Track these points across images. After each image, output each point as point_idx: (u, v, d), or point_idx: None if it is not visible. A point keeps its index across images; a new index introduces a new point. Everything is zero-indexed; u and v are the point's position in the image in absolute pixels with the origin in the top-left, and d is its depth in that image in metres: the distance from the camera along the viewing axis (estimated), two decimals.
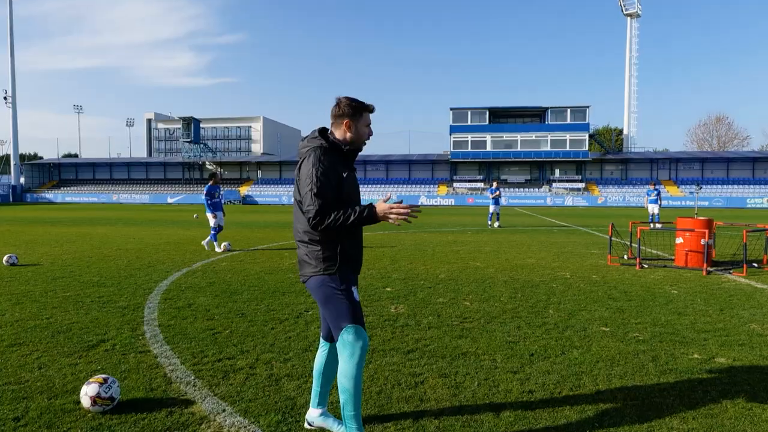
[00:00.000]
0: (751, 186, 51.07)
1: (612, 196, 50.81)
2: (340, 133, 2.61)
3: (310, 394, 3.23)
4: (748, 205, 47.04)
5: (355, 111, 2.57)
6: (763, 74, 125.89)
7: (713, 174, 54.63)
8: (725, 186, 51.24)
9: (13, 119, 58.29)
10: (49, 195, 58.41)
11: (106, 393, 2.97)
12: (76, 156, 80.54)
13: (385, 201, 2.52)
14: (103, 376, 3.09)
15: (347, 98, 2.60)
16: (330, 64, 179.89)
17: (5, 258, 8.66)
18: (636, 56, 59.98)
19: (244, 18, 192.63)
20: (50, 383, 3.42)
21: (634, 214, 29.55)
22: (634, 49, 59.81)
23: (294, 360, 3.89)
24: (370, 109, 2.63)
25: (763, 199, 47.46)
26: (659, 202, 18.96)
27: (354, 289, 2.57)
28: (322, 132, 2.62)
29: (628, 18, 60.01)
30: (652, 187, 19.31)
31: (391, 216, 2.41)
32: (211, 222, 10.96)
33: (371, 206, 2.43)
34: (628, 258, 9.56)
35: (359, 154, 2.78)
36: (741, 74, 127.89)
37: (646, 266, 8.71)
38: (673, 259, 9.30)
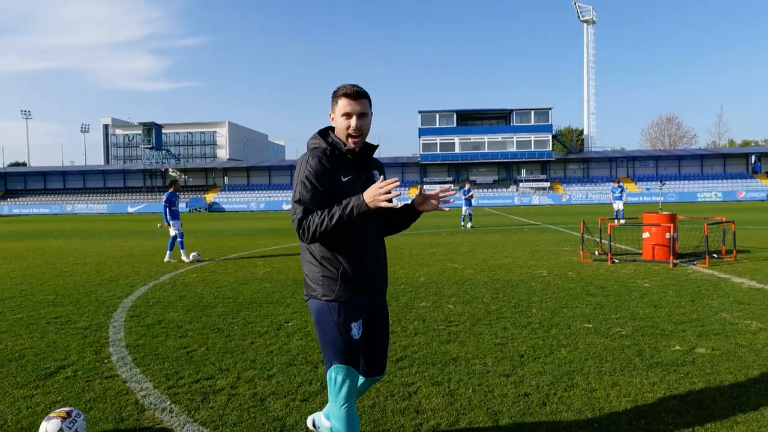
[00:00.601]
0: (701, 181, 53.64)
1: (575, 194, 52.28)
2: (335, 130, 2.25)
3: (298, 413, 3.05)
4: (699, 199, 49.38)
5: (332, 99, 2.16)
6: (705, 77, 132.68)
7: (666, 171, 57.06)
8: (678, 182, 53.57)
9: None
10: None
11: (70, 428, 2.64)
12: (24, 165, 76.51)
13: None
14: (66, 408, 2.78)
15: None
16: (296, 66, 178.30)
17: None
18: (593, 60, 62.12)
19: (206, 20, 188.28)
20: (2, 420, 3.06)
21: (599, 211, 30.45)
22: (591, 53, 61.91)
23: (278, 376, 3.69)
24: (340, 93, 2.11)
25: (711, 193, 49.90)
26: (623, 198, 19.58)
27: (355, 325, 2.15)
28: (323, 131, 2.24)
29: (585, 24, 62.09)
30: (615, 185, 19.94)
31: (380, 197, 1.92)
32: (172, 232, 10.55)
33: (358, 196, 1.98)
34: (599, 254, 9.75)
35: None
36: (687, 77, 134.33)
37: (617, 261, 8.89)
38: (641, 253, 9.55)
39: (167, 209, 10.64)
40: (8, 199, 58.01)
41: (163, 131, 63.82)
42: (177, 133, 76.87)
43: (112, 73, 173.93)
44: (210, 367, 3.92)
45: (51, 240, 17.19)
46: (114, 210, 54.07)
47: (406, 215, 2.29)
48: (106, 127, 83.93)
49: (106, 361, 4.13)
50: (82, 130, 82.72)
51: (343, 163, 2.15)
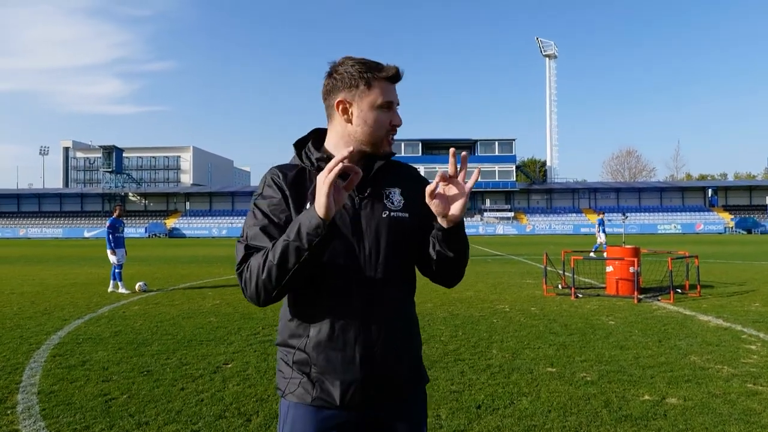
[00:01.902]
0: (660, 213, 55.61)
1: (539, 224, 53.24)
2: (333, 134, 1.43)
3: None
4: (659, 231, 51.03)
5: (351, 82, 1.36)
6: (663, 111, 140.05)
7: (627, 202, 59.02)
8: (638, 214, 55.38)
9: None
10: None
11: None
12: None
13: None
14: None
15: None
16: (263, 93, 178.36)
17: None
18: (555, 92, 64.48)
19: (175, 46, 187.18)
20: None
21: (562, 242, 30.91)
22: (553, 86, 64.30)
23: (203, 431, 3.23)
24: (382, 75, 1.37)
25: (671, 225, 51.72)
26: (604, 230, 19.87)
27: None
28: (300, 142, 1.49)
29: (547, 58, 64.65)
30: (601, 217, 20.33)
31: (322, 193, 1.17)
32: (112, 259, 9.87)
33: (309, 209, 1.23)
34: (562, 287, 9.62)
35: None
36: (645, 111, 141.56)
37: (580, 296, 8.76)
38: (605, 287, 9.47)
39: (110, 235, 9.98)
40: None
41: (126, 155, 62.21)
42: (140, 156, 75.02)
43: (76, 96, 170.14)
44: (127, 420, 3.42)
45: None
46: (70, 234, 51.65)
47: (437, 236, 1.34)
48: (66, 149, 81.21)
49: (9, 412, 3.60)
50: (41, 153, 79.77)
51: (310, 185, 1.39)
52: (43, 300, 8.68)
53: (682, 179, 76.56)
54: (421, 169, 59.53)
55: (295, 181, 1.38)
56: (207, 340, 5.65)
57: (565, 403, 3.71)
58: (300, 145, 1.47)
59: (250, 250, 1.30)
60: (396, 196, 1.40)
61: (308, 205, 1.33)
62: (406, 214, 1.39)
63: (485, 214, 55.69)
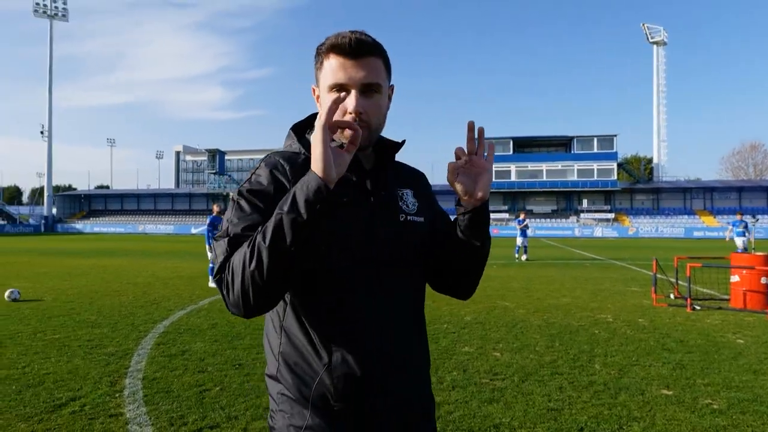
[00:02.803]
0: None
1: (644, 226, 48.96)
2: None
3: None
4: None
5: (315, 60, 1.18)
6: None
7: (752, 203, 52.23)
8: (766, 216, 48.81)
9: (49, 153, 60.52)
10: (79, 225, 59.78)
11: None
12: (107, 187, 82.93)
13: None
14: None
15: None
16: None
17: (7, 293, 8.27)
18: (664, 84, 58.96)
19: (271, 53, 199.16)
20: None
21: (671, 246, 28.09)
22: (662, 77, 58.84)
23: None
24: (327, 46, 1.14)
25: None
26: (746, 235, 17.26)
27: None
28: (299, 126, 1.28)
29: (654, 46, 59.33)
30: (738, 218, 17.94)
31: (318, 142, 0.97)
32: (210, 256, 10.47)
33: (304, 178, 0.99)
34: (675, 297, 8.61)
35: None
36: None
37: (698, 308, 7.76)
38: (728, 299, 8.32)
39: (210, 233, 10.60)
40: (91, 219, 62.62)
41: (228, 157, 67.04)
42: (240, 159, 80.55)
43: (186, 104, 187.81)
44: (219, 412, 3.51)
45: (115, 258, 17.93)
46: (179, 231, 56.76)
47: (462, 223, 1.18)
48: (177, 153, 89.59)
49: (117, 395, 3.88)
50: (157, 156, 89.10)
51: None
52: (153, 291, 9.46)
53: None
54: (512, 169, 57.05)
55: (298, 171, 1.12)
56: None
57: None
58: (300, 130, 1.25)
59: (234, 248, 1.03)
60: (410, 198, 1.25)
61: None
62: (422, 219, 1.24)
63: (581, 215, 52.38)
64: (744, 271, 7.91)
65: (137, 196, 67.28)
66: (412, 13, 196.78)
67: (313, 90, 1.22)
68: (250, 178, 1.15)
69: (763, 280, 7.57)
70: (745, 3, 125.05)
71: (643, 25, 59.56)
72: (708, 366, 4.70)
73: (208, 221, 10.73)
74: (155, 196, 66.79)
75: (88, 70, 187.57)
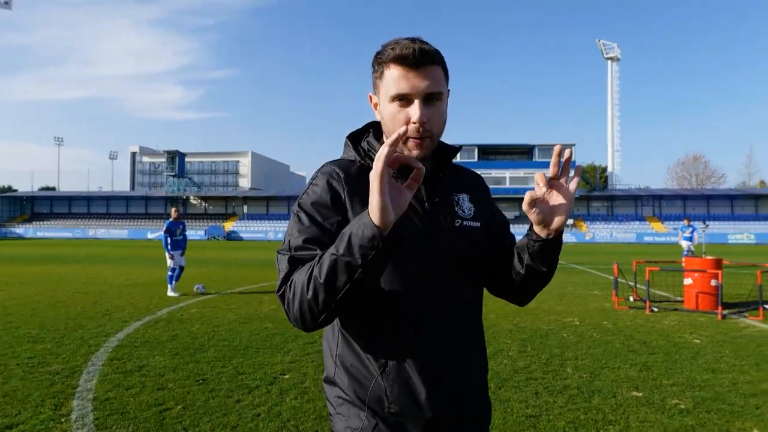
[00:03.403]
0: (732, 222, 51.65)
1: (599, 232, 50.85)
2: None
3: None
4: (730, 241, 47.34)
5: (374, 68, 1.17)
6: (734, 116, 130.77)
7: (695, 210, 55.20)
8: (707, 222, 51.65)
9: None
10: (19, 230, 56.34)
11: None
12: (53, 189, 78.52)
13: None
14: None
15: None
16: (320, 99, 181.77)
17: None
18: (617, 97, 61.73)
19: (237, 53, 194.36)
20: None
21: (626, 251, 29.23)
22: (615, 90, 61.55)
23: None
24: (389, 56, 1.11)
25: (743, 235, 47.88)
26: (693, 239, 18.82)
27: None
28: (355, 134, 1.27)
29: (609, 61, 62.02)
30: (686, 224, 19.51)
31: (375, 191, 0.93)
32: (168, 263, 10.01)
33: (362, 215, 0.97)
34: (635, 300, 8.89)
35: None
36: (714, 115, 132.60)
37: (656, 309, 8.03)
38: (682, 301, 8.65)
39: (167, 239, 10.15)
40: (33, 222, 59.14)
41: (188, 160, 65.00)
42: (201, 161, 78.30)
43: (143, 103, 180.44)
44: None
45: (62, 265, 16.91)
46: (134, 236, 54.49)
47: (532, 249, 1.14)
48: (133, 154, 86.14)
49: (63, 419, 3.51)
50: (110, 157, 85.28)
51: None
52: (105, 300, 8.92)
53: (755, 186, 71.01)
54: None
55: (359, 181, 1.13)
56: (263, 348, 5.49)
57: None
58: (356, 139, 1.26)
59: (295, 264, 1.07)
60: (465, 203, 1.24)
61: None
62: (478, 224, 1.24)
63: None
64: (696, 274, 8.25)
65: (87, 199, 64.09)
66: (375, 13, 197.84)
67: (371, 98, 1.22)
68: (307, 189, 1.17)
69: (713, 282, 7.90)
70: (692, 23, 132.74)
71: (599, 41, 62.22)
72: (671, 366, 4.82)
73: (165, 227, 10.26)
74: (108, 198, 63.88)
75: (34, 61, 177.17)
